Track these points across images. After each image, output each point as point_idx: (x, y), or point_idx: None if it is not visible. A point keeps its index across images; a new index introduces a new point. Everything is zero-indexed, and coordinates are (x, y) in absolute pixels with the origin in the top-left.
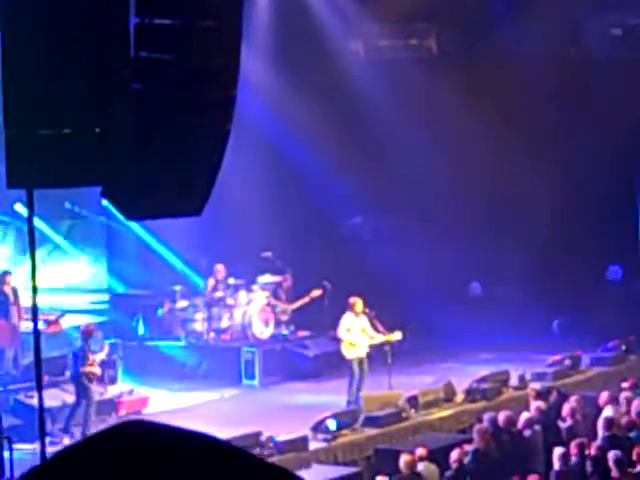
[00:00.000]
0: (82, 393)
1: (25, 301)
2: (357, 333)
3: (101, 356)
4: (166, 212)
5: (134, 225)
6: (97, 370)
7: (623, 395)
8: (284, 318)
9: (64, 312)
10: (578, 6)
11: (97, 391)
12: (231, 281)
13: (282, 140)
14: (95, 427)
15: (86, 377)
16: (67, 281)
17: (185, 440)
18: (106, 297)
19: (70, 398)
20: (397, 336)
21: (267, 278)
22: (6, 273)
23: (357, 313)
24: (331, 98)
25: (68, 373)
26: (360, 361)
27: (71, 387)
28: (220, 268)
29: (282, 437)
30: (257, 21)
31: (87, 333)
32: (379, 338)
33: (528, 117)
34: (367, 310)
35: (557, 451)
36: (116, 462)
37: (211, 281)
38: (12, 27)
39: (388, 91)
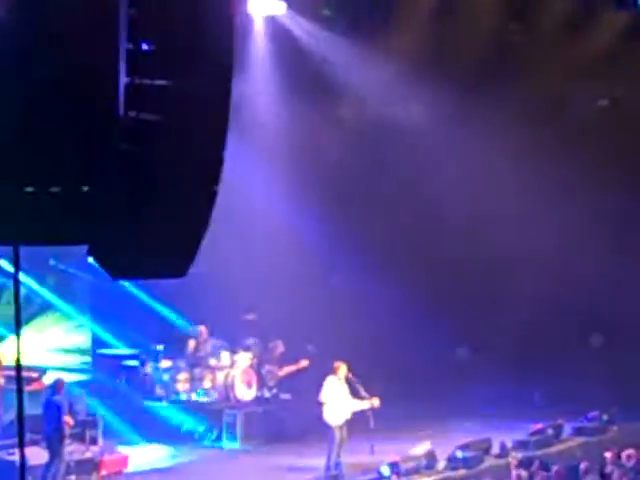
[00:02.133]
0: (55, 450)
1: (7, 359)
2: (340, 398)
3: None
4: (151, 273)
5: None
6: (70, 421)
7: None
8: (271, 384)
9: (46, 370)
10: (564, 76)
11: (78, 450)
12: (214, 342)
13: (265, 199)
14: None
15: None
16: (50, 339)
17: None
18: (89, 356)
19: None
20: (376, 402)
21: (250, 340)
22: None
23: (340, 378)
24: None
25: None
26: (341, 427)
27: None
28: (203, 330)
29: None
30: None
31: (56, 388)
32: (360, 404)
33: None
34: (350, 375)
35: None
36: None
37: (192, 342)
38: None
39: None
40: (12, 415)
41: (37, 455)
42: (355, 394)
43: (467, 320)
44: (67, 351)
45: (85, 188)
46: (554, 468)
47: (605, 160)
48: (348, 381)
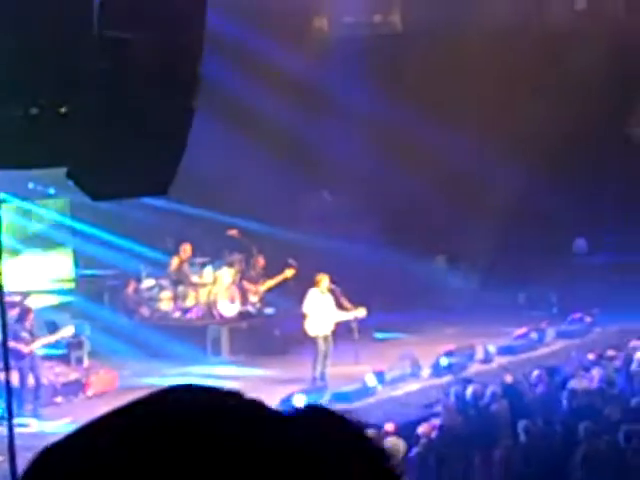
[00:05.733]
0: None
1: None
2: (322, 309)
3: (49, 339)
4: (132, 192)
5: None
6: (25, 348)
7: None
8: (255, 299)
9: (29, 293)
10: None
11: (64, 372)
12: (197, 259)
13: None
14: (60, 408)
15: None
16: (32, 262)
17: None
18: (72, 277)
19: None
20: (361, 312)
21: (234, 256)
22: None
23: (322, 290)
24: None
25: None
26: (325, 337)
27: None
28: (186, 247)
29: None
30: None
31: (22, 312)
32: (344, 315)
33: (491, 93)
34: (333, 286)
35: (522, 424)
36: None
37: (175, 260)
38: None
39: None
40: None
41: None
42: (339, 305)
43: (443, 230)
44: (49, 273)
45: (63, 109)
46: (535, 372)
47: None
48: (331, 292)
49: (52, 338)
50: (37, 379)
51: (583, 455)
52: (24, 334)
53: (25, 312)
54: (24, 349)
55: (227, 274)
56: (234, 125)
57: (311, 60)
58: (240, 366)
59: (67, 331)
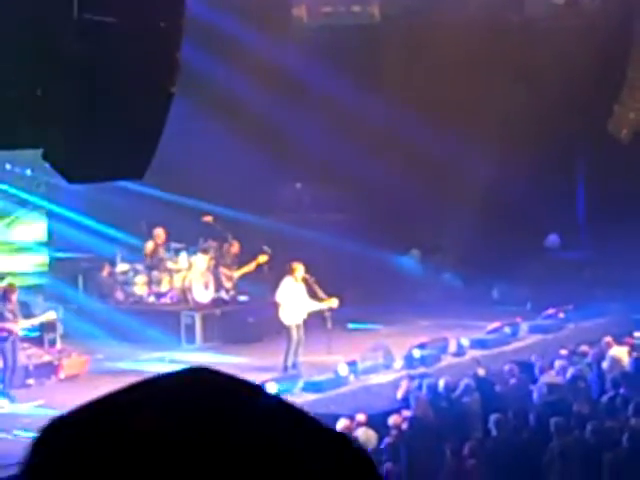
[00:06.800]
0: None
1: None
2: (296, 298)
3: (32, 321)
4: (108, 175)
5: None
6: (14, 327)
7: (559, 363)
8: (229, 285)
9: (2, 275)
10: None
11: (36, 354)
12: (172, 244)
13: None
14: (32, 390)
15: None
16: (7, 243)
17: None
18: (46, 259)
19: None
20: (334, 302)
21: (209, 243)
22: None
23: (297, 278)
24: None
25: None
26: (298, 326)
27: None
28: (159, 232)
29: None
30: None
31: (5, 292)
32: (317, 304)
33: (467, 85)
34: (307, 276)
35: (493, 417)
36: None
37: (150, 245)
38: None
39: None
40: None
41: None
42: (312, 294)
43: (418, 223)
44: (25, 255)
45: (39, 92)
46: (507, 366)
47: None
48: (305, 282)
49: (35, 321)
50: (14, 361)
51: (559, 450)
52: (8, 314)
53: (8, 292)
54: (9, 329)
55: (202, 260)
56: (212, 112)
57: (290, 49)
58: (213, 353)
59: (50, 315)
